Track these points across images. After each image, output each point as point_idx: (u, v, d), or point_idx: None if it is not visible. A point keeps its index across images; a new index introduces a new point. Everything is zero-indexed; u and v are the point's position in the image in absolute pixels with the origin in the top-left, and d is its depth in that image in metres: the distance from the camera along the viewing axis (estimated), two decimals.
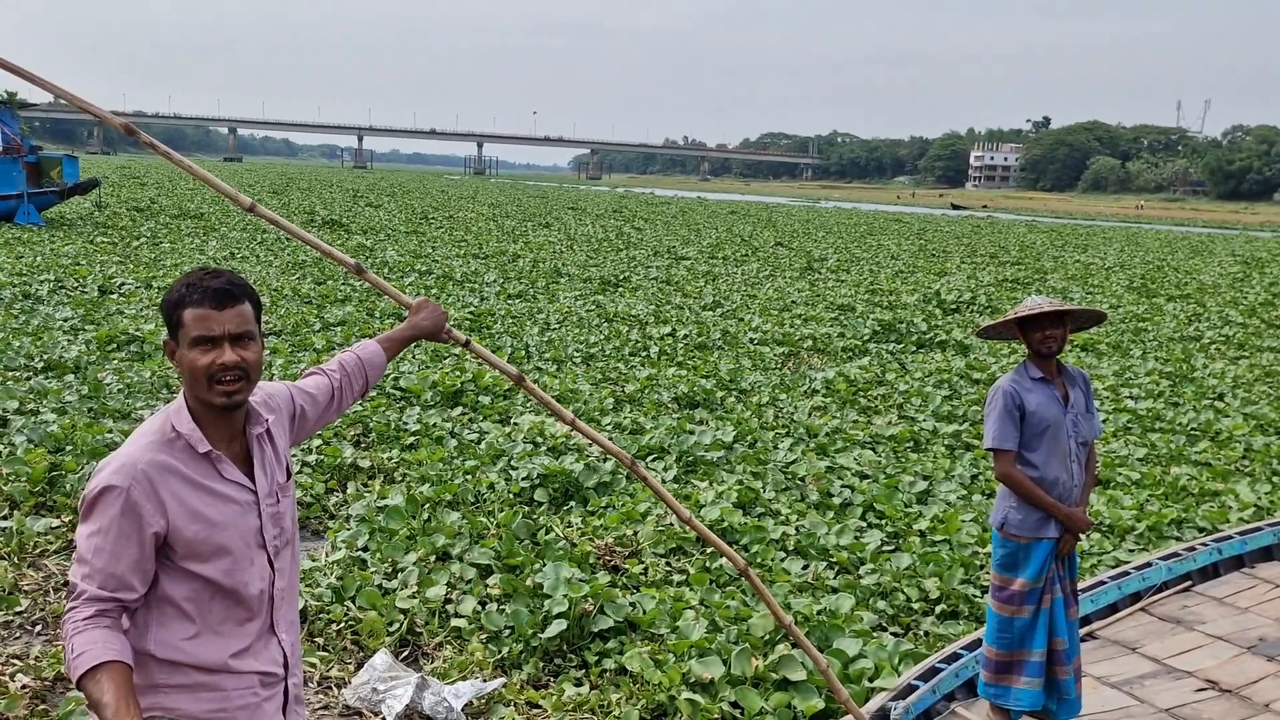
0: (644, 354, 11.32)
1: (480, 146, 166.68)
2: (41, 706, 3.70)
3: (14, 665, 4.02)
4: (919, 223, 47.08)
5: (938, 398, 9.50)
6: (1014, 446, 3.59)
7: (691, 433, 7.64)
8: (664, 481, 6.69)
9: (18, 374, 8.66)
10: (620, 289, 16.99)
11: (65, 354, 9.35)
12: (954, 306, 16.45)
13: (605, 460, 6.73)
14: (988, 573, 3.83)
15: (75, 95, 2.33)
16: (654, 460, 7.14)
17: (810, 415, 8.88)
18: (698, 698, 3.87)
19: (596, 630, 4.52)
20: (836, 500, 6.46)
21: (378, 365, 2.64)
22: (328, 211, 30.67)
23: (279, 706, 2.19)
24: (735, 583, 5.11)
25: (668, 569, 5.34)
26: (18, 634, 4.37)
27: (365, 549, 5.44)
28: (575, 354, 10.99)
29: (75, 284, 13.99)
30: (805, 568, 5.41)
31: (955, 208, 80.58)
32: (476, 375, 9.07)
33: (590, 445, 7.05)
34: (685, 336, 12.37)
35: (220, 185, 2.41)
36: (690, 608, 4.72)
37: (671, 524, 5.74)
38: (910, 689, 3.84)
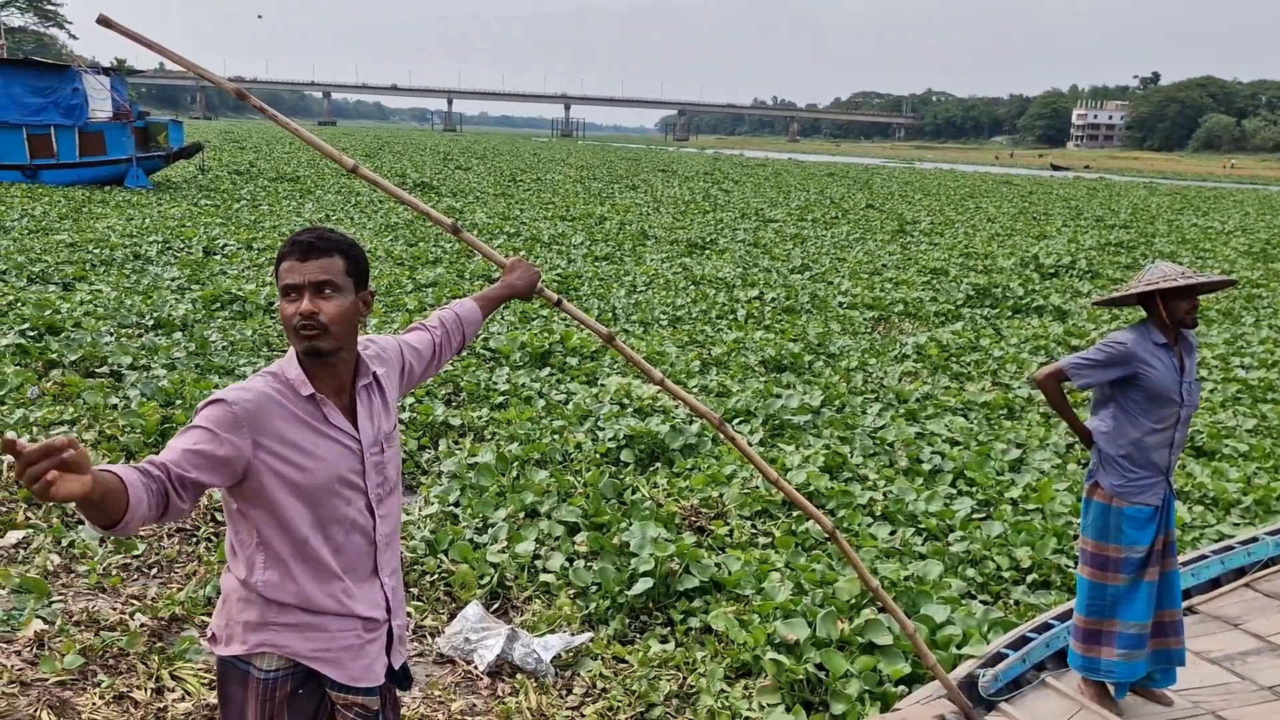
0: (731, 317, 11.28)
1: (568, 108, 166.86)
2: (159, 644, 3.92)
3: (133, 605, 4.25)
4: (1028, 184, 45.53)
5: (1034, 364, 9.26)
6: (1079, 386, 3.53)
7: (778, 396, 7.60)
8: (750, 444, 6.68)
9: (131, 331, 9.06)
10: (707, 251, 16.92)
11: (173, 312, 9.74)
12: (1053, 270, 15.96)
13: (691, 422, 6.75)
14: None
15: (193, 62, 2.42)
16: (740, 423, 7.14)
17: (900, 380, 8.76)
18: (782, 658, 3.89)
19: (682, 589, 4.57)
20: (926, 467, 6.38)
21: (474, 323, 2.72)
22: (419, 174, 31.15)
23: (382, 647, 2.28)
24: (822, 546, 5.10)
25: (753, 531, 5.36)
26: (135, 576, 4.62)
27: (457, 504, 5.58)
28: (662, 316, 11.00)
29: (181, 245, 14.52)
30: (893, 533, 5.37)
31: (1055, 168, 77.79)
32: (564, 336, 9.16)
33: (676, 407, 7.08)
34: (773, 300, 12.27)
35: (325, 148, 2.48)
36: (775, 570, 4.73)
37: (757, 486, 5.75)
38: (999, 657, 3.79)
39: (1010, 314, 12.41)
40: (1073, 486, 6.04)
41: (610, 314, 10.98)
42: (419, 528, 5.19)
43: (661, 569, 4.58)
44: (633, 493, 5.74)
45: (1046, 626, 4.02)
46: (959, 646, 4.06)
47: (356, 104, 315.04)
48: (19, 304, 9.68)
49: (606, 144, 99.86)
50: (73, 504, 1.76)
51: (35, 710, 3.34)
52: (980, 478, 6.15)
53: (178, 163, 26.55)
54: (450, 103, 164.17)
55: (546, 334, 9.30)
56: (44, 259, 12.54)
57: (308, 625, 2.16)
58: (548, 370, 8.44)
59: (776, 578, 4.62)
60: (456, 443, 6.70)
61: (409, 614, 4.35)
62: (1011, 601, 4.76)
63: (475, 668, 3.99)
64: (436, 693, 3.80)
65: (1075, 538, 5.26)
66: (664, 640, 4.29)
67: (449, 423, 6.94)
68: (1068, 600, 4.39)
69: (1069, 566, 4.97)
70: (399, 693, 2.45)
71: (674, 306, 11.52)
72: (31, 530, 4.90)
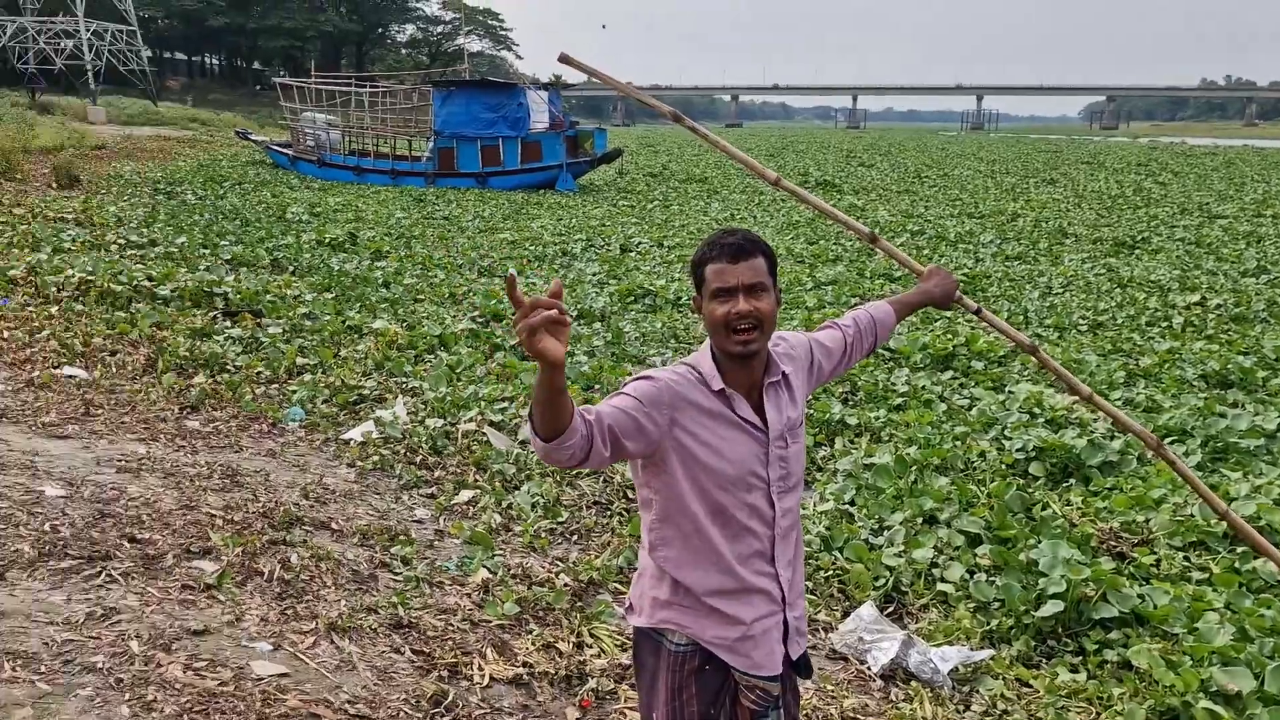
0: (1164, 324, 10.13)
1: (979, 100, 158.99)
2: (579, 604, 4.32)
3: (558, 566, 4.73)
4: None
5: None
6: None
7: (1223, 415, 6.70)
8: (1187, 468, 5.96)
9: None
10: (1137, 251, 15.34)
11: (594, 304, 10.66)
12: None
13: (1113, 438, 6.16)
14: None
15: (641, 92, 2.63)
16: (1172, 442, 6.38)
17: None
18: (1220, 710, 3.44)
19: (1097, 618, 4.19)
20: None
21: (887, 326, 2.72)
22: (820, 172, 31.39)
23: (779, 637, 2.33)
24: (1274, 589, 4.43)
25: (1185, 564, 4.78)
26: (559, 541, 5.13)
27: (852, 503, 5.55)
28: (1080, 321, 10.15)
29: (602, 243, 15.85)
30: None
31: None
32: (969, 339, 8.77)
33: (1095, 420, 6.51)
34: (1218, 306, 10.84)
35: (749, 162, 2.58)
36: (1213, 610, 4.19)
37: (1193, 514, 5.12)
38: None
39: None
40: None
41: (1021, 317, 10.34)
42: (814, 523, 5.24)
43: (1074, 593, 4.23)
44: (1043, 508, 5.35)
45: None
46: None
47: (762, 105, 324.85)
48: (471, 294, 11.12)
49: (1022, 136, 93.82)
50: (541, 382, 1.89)
51: (482, 647, 3.83)
52: None
53: (600, 167, 28.99)
54: (855, 99, 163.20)
55: (950, 336, 8.96)
56: (491, 254, 14.30)
57: (706, 610, 2.27)
58: (950, 373, 8.14)
59: (1214, 618, 4.08)
60: (852, 442, 6.67)
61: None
62: None
63: (868, 668, 3.96)
64: (829, 688, 3.82)
65: None
66: (1074, 670, 3.96)
67: (845, 421, 6.93)
68: None
69: None
70: (800, 681, 2.49)
71: (1095, 311, 10.58)
72: (479, 491, 5.61)
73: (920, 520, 5.22)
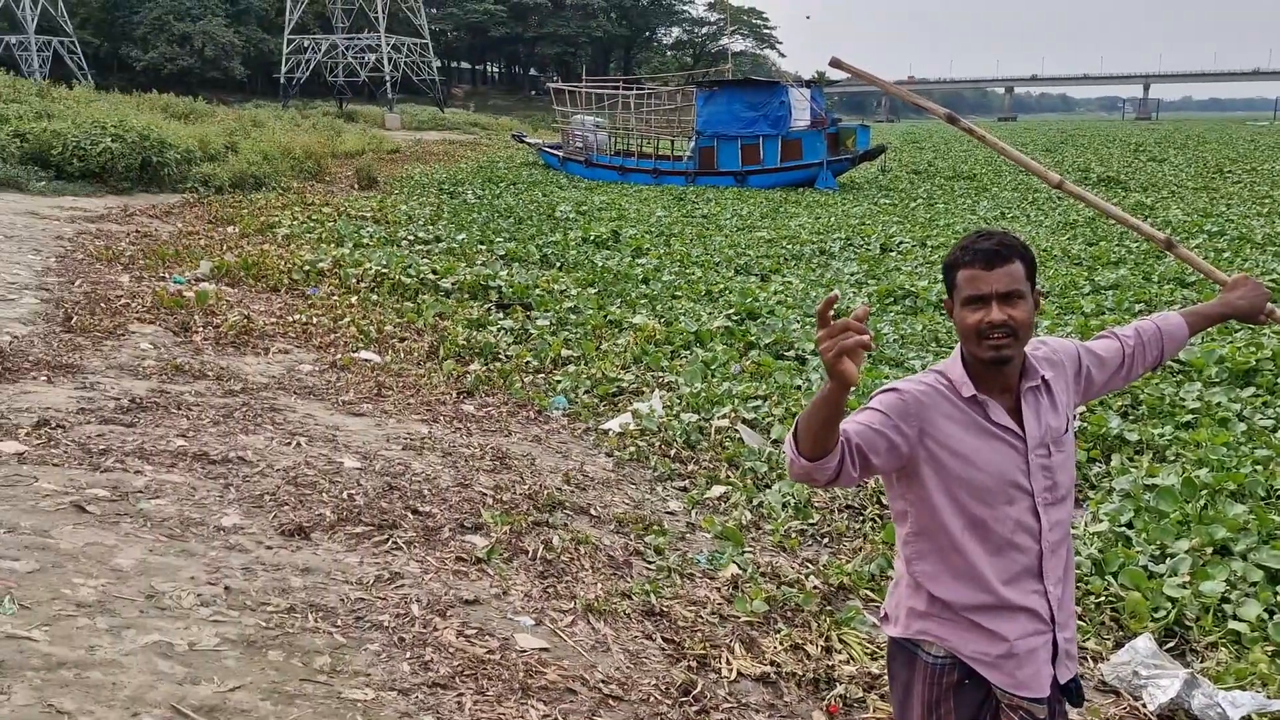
0: None
1: None
2: (829, 607, 4.28)
3: (808, 568, 4.70)
4: None
5: None
6: None
7: None
8: None
9: (814, 320, 9.97)
10: None
11: (850, 305, 10.47)
12: None
13: None
14: None
15: (912, 94, 2.58)
16: None
17: None
18: None
19: None
20: None
21: (1177, 339, 2.52)
22: (1104, 168, 29.17)
23: (1047, 658, 2.22)
24: None
25: None
26: (809, 543, 5.10)
27: (1129, 526, 5.14)
28: None
29: (861, 242, 15.53)
30: None
31: None
32: (1276, 354, 7.86)
33: None
34: None
35: (1030, 164, 2.47)
36: None
37: None
38: None
39: None
40: None
41: None
42: (1085, 544, 4.90)
43: None
44: None
45: None
46: None
47: (1040, 97, 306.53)
48: (728, 291, 11.23)
49: None
50: (828, 401, 1.89)
51: (730, 641, 3.88)
52: None
53: (862, 164, 28.41)
54: (1146, 88, 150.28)
55: (1253, 349, 8.07)
56: (747, 253, 14.38)
57: (966, 624, 2.19)
58: (1251, 390, 7.33)
59: None
60: (1131, 459, 6.17)
61: None
62: None
63: (1144, 705, 3.66)
64: None
65: None
66: None
67: (1124, 437, 6.42)
68: None
69: None
70: (1070, 708, 2.36)
71: None
72: (730, 487, 5.68)
73: (1210, 550, 4.75)
